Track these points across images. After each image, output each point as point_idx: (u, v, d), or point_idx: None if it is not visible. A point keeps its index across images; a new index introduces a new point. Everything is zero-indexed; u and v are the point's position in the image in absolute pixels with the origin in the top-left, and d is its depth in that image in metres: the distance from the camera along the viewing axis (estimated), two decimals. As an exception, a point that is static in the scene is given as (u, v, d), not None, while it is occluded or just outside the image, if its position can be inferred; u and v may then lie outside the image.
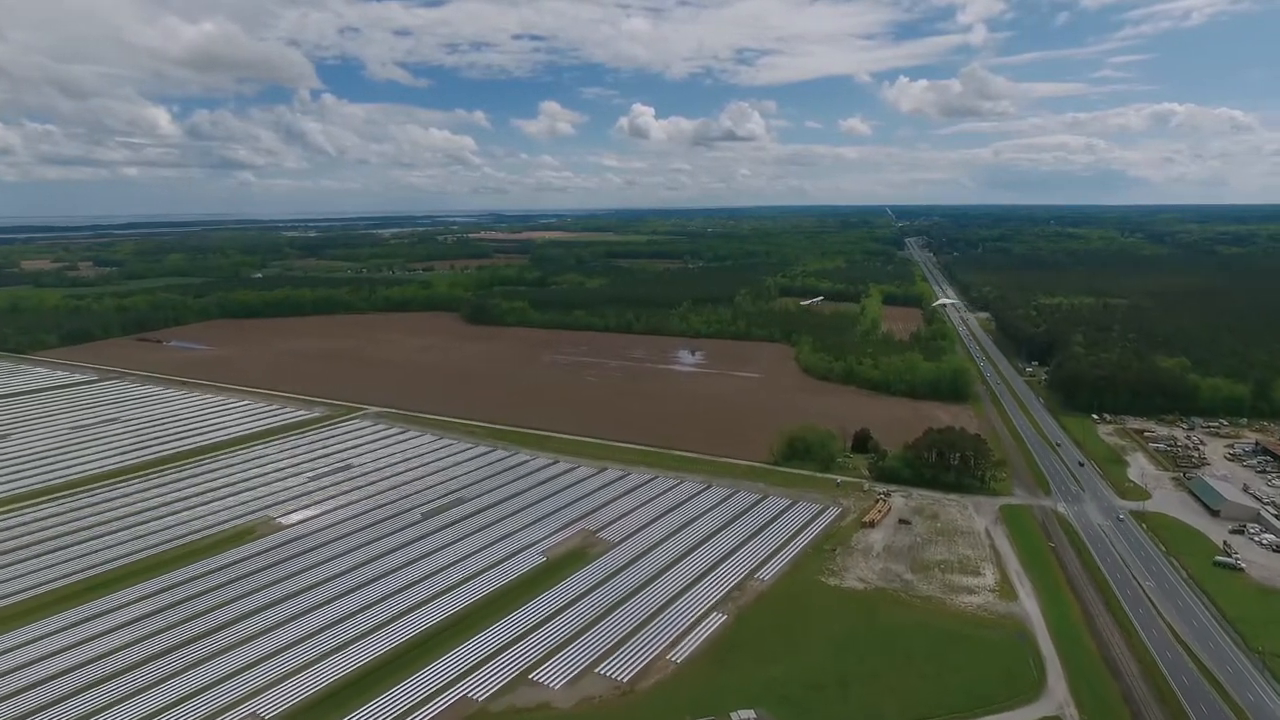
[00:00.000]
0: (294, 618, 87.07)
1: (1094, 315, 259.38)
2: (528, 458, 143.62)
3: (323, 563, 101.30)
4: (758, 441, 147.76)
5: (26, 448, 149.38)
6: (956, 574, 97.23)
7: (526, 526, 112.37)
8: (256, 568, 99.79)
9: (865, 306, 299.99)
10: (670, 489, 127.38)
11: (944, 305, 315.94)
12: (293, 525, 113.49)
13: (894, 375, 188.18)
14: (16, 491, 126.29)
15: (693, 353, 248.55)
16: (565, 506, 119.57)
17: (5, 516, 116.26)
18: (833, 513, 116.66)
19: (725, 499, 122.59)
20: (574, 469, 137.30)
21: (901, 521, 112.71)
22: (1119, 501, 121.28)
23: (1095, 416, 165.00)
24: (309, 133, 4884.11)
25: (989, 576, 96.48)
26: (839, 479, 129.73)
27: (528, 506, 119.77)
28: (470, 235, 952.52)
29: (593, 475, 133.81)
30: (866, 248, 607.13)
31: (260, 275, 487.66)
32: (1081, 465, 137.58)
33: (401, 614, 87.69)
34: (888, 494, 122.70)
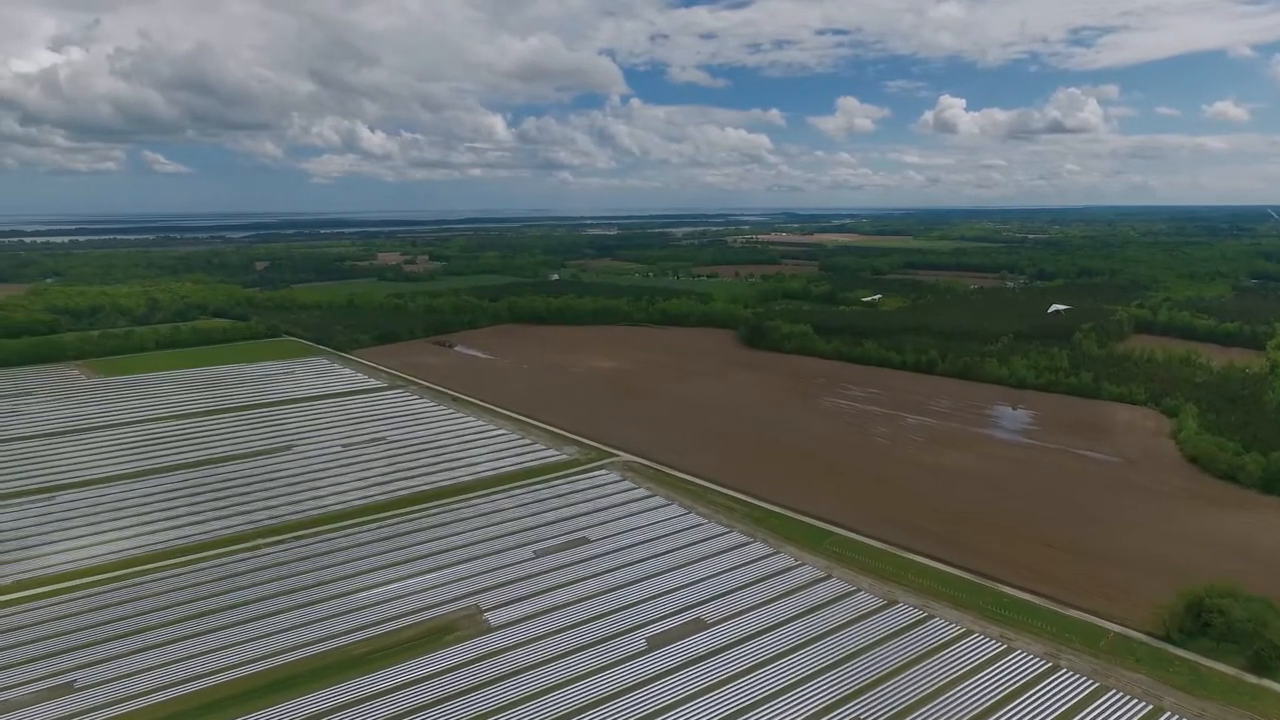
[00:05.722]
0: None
1: None
2: (792, 562, 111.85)
3: (519, 703, 79.74)
4: (1129, 587, 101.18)
5: (297, 466, 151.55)
6: None
7: (775, 695, 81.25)
8: (441, 695, 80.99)
9: (1277, 361, 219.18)
10: (992, 659, 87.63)
11: (1057, 311, 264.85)
12: (499, 628, 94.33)
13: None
14: (262, 524, 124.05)
15: (1014, 408, 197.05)
16: (835, 665, 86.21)
17: (243, 557, 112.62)
18: (1294, 778, 69.47)
19: (1085, 699, 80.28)
20: (851, 594, 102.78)
21: None
22: None
23: None
24: (617, 135, 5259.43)
25: None
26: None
27: (783, 655, 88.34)
28: (760, 237, 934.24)
29: (877, 611, 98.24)
30: (1255, 266, 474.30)
31: (556, 276, 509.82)
32: None
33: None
34: (1406, 760, 71.67)
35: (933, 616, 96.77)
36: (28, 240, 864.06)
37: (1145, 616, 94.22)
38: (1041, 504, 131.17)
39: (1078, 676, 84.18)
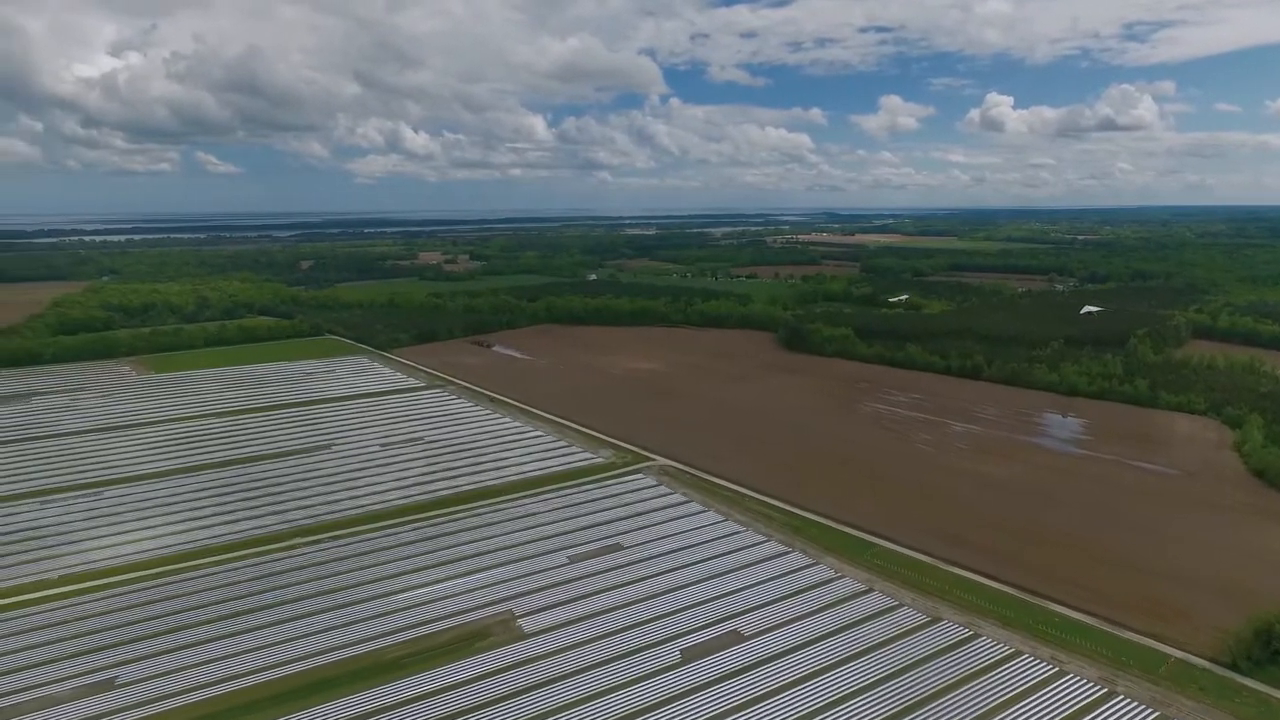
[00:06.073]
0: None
1: None
2: (832, 574, 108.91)
3: (550, 713, 78.52)
4: (1189, 609, 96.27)
5: (334, 465, 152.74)
6: None
7: (814, 713, 78.67)
8: (474, 703, 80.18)
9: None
10: (1043, 682, 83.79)
11: (1090, 313, 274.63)
12: (534, 635, 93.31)
13: None
14: (298, 524, 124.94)
15: (1064, 416, 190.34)
16: (876, 684, 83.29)
17: (279, 556, 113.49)
18: (1375, 823, 64.78)
19: (1145, 731, 76.27)
20: (894, 609, 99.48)
21: None
22: None
23: None
24: (657, 135, 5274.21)
25: None
26: (1373, 735, 75.12)
27: (822, 671, 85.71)
28: (799, 237, 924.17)
29: (921, 628, 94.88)
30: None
31: (594, 276, 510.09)
32: None
33: None
34: None
35: (979, 635, 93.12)
36: (87, 239, 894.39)
37: (1208, 641, 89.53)
38: (1094, 518, 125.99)
39: (1136, 704, 79.98)
